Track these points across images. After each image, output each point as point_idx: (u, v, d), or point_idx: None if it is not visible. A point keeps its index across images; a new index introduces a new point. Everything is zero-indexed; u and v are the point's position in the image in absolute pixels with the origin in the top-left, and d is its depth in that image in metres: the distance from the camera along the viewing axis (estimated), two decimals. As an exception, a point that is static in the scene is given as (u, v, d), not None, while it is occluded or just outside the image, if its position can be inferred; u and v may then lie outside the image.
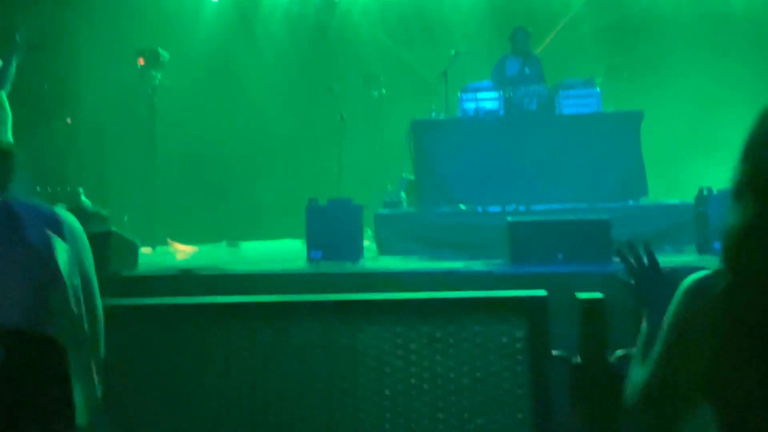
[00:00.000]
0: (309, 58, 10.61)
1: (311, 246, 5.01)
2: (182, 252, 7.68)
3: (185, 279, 4.51)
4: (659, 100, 8.89)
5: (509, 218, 4.36)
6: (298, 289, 4.33)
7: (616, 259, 3.99)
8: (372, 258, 5.43)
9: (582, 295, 1.83)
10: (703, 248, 4.97)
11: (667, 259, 4.60)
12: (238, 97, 10.03)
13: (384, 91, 9.46)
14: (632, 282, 1.63)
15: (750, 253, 1.21)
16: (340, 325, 1.80)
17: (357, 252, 5.04)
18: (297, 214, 5.50)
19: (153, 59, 8.10)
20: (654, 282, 1.60)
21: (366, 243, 6.32)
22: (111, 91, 9.31)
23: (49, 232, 1.63)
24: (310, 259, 4.99)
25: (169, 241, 8.19)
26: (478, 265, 4.31)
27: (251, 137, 9.89)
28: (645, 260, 1.64)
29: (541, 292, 1.81)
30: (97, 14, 9.21)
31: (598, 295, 1.82)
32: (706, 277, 1.29)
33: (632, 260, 1.63)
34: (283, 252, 6.59)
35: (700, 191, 5.08)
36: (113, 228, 4.90)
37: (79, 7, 9.23)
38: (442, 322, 1.79)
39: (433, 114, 6.90)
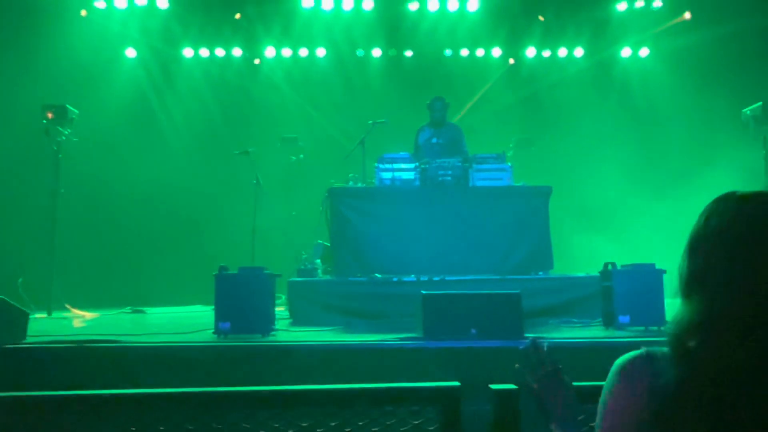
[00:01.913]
0: (227, 119, 10.53)
1: (219, 317, 4.80)
2: (81, 318, 7.21)
3: (77, 352, 4.19)
4: (566, 174, 9.35)
5: (423, 291, 4.35)
6: (202, 365, 4.11)
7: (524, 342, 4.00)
8: (284, 329, 5.26)
9: (495, 387, 1.78)
10: (608, 322, 5.12)
11: (575, 333, 4.70)
12: (150, 158, 9.76)
13: (302, 155, 9.45)
14: (534, 387, 1.60)
15: (705, 346, 1.21)
16: (238, 419, 1.68)
17: (268, 324, 4.86)
18: (208, 279, 5.30)
19: (61, 115, 7.77)
20: (555, 389, 1.58)
21: (280, 309, 6.14)
22: (14, 146, 8.86)
23: None
24: (217, 330, 4.77)
25: (67, 306, 7.69)
26: (391, 339, 4.24)
27: (163, 199, 9.59)
28: (547, 366, 1.63)
29: (454, 384, 1.75)
30: (2, 67, 8.83)
31: (511, 386, 1.78)
32: (637, 358, 1.30)
33: (534, 366, 1.62)
34: (192, 320, 6.30)
35: (605, 266, 5.27)
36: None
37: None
38: (351, 416, 1.70)
39: (351, 182, 6.92)
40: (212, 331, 4.85)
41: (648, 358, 1.31)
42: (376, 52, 11.21)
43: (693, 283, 1.29)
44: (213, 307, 4.90)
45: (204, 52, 11.01)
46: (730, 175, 8.66)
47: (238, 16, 10.53)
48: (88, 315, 7.46)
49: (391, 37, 11.08)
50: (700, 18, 10.36)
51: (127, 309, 8.00)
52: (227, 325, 4.76)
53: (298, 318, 5.85)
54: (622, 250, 8.27)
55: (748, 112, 8.12)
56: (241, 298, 4.83)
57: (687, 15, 10.53)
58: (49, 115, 7.75)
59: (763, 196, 1.31)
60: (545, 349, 1.70)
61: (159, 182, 9.57)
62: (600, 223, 9.00)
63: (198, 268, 8.40)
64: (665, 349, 1.30)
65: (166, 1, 10.30)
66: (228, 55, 11.05)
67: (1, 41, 8.88)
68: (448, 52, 11.10)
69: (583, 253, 8.19)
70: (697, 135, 9.82)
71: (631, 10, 10.80)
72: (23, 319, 4.58)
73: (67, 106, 7.88)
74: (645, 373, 1.29)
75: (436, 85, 10.68)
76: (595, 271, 5.97)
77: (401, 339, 4.24)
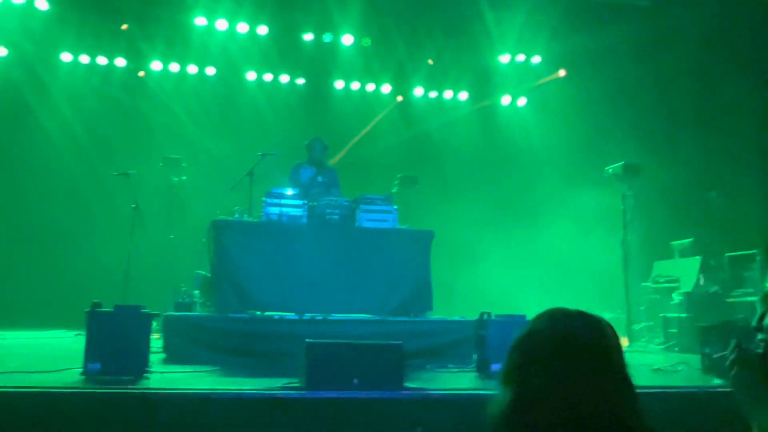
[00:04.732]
0: (107, 131, 9.99)
1: (89, 357, 4.53)
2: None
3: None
4: (449, 213, 9.71)
5: (307, 340, 4.35)
6: (68, 413, 3.86)
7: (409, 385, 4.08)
8: (158, 370, 5.03)
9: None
10: (482, 369, 5.35)
11: (452, 383, 4.87)
12: (19, 166, 9.07)
13: (185, 177, 9.16)
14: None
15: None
16: None
17: (142, 365, 4.65)
18: (75, 302, 5.00)
19: None
20: None
21: (156, 337, 5.85)
22: None
23: None
24: (86, 371, 4.50)
25: None
26: (273, 389, 4.19)
27: (32, 212, 8.89)
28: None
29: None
30: None
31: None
32: None
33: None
34: (56, 351, 5.89)
35: (481, 315, 5.52)
36: None
37: None
38: None
39: (236, 214, 6.79)
40: (80, 371, 4.57)
41: None
42: (268, 77, 11.15)
43: (506, 377, 1.39)
44: (77, 332, 4.63)
45: (84, 59, 10.44)
46: (591, 225, 9.40)
47: (125, 27, 10.09)
48: None
49: (284, 65, 11.06)
50: (573, 76, 11.21)
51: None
52: (97, 366, 4.51)
53: (173, 355, 5.63)
54: (497, 291, 8.71)
55: (610, 170, 8.86)
56: (114, 337, 4.59)
57: (562, 72, 11.37)
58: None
59: (582, 317, 1.41)
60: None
61: (29, 193, 8.89)
62: (478, 264, 9.40)
63: (65, 291, 7.91)
64: None
65: (45, 3, 9.70)
66: (111, 64, 10.54)
67: None
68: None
69: (460, 294, 8.52)
70: (566, 183, 10.51)
71: (513, 62, 11.49)
72: None
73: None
74: None
75: (326, 115, 10.78)
76: (471, 313, 6.25)
77: (282, 388, 4.21)
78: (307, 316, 6.16)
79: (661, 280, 9.00)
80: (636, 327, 8.71)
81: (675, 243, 9.18)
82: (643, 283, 9.22)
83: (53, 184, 9.24)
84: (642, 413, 1.35)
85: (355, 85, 11.54)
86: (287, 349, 5.43)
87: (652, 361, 6.40)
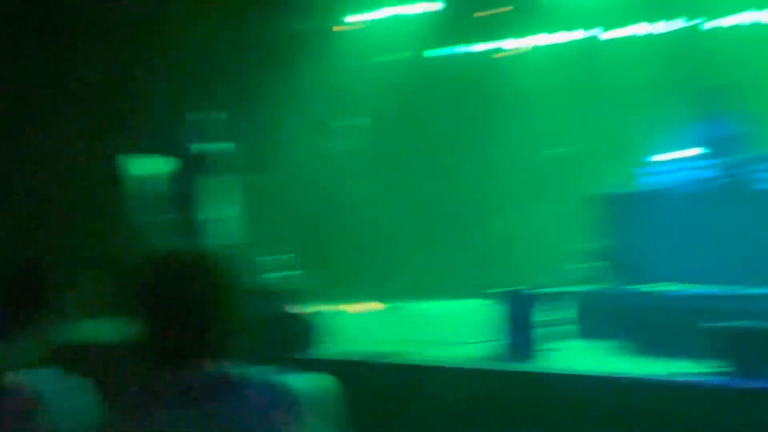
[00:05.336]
0: (480, 115, 10.40)
1: (505, 333, 4.93)
2: (359, 311, 7.69)
3: (370, 368, 4.50)
4: None
5: (735, 323, 3.89)
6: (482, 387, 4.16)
7: None
8: (561, 346, 5.15)
9: None
10: None
11: None
12: (418, 155, 10.05)
13: (562, 150, 9.09)
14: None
15: None
16: None
17: (543, 343, 4.93)
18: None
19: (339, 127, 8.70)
20: None
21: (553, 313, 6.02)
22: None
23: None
24: (502, 345, 4.94)
25: (345, 306, 8.15)
26: (682, 368, 3.87)
27: (431, 203, 9.81)
28: None
29: None
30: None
31: None
32: None
33: None
34: (464, 327, 6.43)
35: None
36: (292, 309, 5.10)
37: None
38: None
39: (626, 184, 6.46)
40: (494, 343, 4.99)
41: None
42: (634, 30, 10.20)
43: None
44: (476, 302, 5.58)
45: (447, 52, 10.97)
46: None
47: (489, 13, 10.37)
48: (367, 306, 7.97)
49: (655, 13, 10.03)
50: None
51: (396, 304, 8.28)
52: (512, 340, 4.87)
53: (585, 332, 5.70)
54: None
55: None
56: (520, 315, 4.91)
57: None
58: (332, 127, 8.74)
59: None
60: None
61: (434, 184, 9.88)
62: None
63: (463, 266, 8.67)
64: None
65: (420, 8, 10.50)
66: (468, 52, 10.87)
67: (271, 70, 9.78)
68: None
69: None
70: None
71: None
72: (312, 329, 5.08)
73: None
74: None
75: (713, 61, 9.44)
76: None
77: (700, 374, 3.87)
78: (710, 290, 5.51)
79: None
80: None
81: None
82: None
83: (445, 171, 10.02)
84: None
85: (744, 18, 9.87)
86: (693, 327, 4.94)
87: None
